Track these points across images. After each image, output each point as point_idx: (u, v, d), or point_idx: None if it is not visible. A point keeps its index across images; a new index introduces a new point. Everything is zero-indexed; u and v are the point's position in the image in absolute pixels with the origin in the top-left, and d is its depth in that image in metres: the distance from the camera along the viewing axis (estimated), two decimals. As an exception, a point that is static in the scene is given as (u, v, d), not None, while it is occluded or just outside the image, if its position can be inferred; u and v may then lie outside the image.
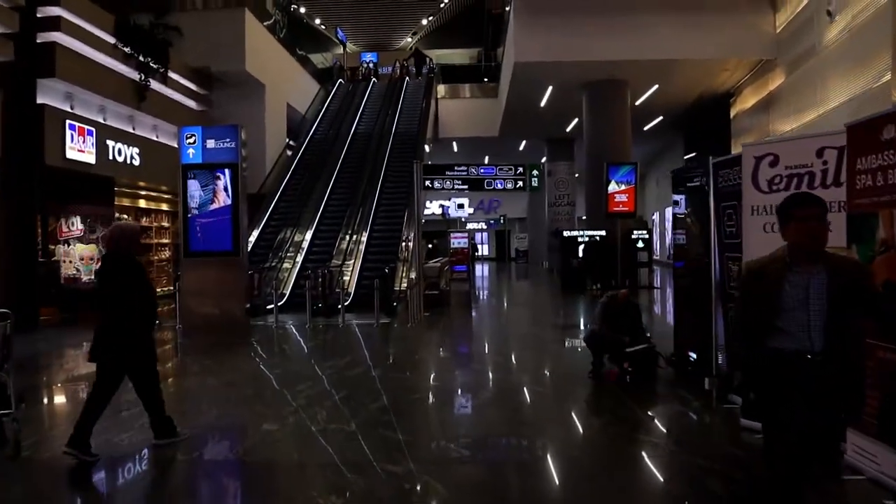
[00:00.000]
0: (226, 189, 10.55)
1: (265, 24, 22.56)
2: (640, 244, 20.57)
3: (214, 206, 10.60)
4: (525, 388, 7.18)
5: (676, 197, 7.30)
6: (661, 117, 26.11)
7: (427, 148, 25.13)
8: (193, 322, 10.83)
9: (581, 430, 5.72)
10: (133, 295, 5.00)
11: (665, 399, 6.65)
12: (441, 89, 30.04)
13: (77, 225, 14.60)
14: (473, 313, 14.62)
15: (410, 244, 17.24)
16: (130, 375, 5.14)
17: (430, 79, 29.08)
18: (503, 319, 14.28)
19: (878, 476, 4.05)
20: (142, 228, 18.46)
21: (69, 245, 14.49)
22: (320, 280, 14.09)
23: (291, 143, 23.49)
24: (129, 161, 15.63)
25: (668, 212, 34.18)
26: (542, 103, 23.09)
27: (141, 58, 16.02)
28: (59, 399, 7.37)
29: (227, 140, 10.55)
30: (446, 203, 35.13)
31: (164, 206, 19.15)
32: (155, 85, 16.78)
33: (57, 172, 13.50)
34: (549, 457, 4.96)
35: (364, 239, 17.00)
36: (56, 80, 13.32)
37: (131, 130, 16.30)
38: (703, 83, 21.78)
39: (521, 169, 13.72)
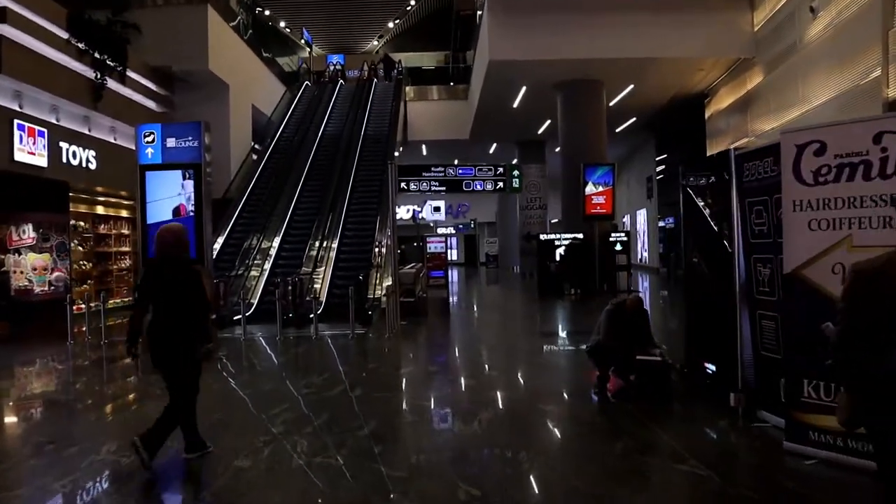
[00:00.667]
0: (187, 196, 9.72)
1: (230, 24, 21.73)
2: (619, 247, 20.08)
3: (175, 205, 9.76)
4: (527, 409, 6.49)
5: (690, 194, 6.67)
6: (634, 119, 25.86)
7: (397, 151, 24.50)
8: (154, 336, 9.92)
9: (603, 460, 4.95)
10: (188, 301, 4.81)
11: (687, 418, 6.01)
12: (409, 91, 29.54)
13: (29, 233, 13.59)
14: (453, 322, 13.92)
15: (384, 250, 16.61)
16: (167, 379, 4.99)
17: (399, 80, 28.49)
18: (486, 329, 13.58)
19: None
20: (103, 237, 17.60)
21: (20, 254, 13.49)
22: (290, 288, 13.30)
23: (257, 146, 22.63)
24: (84, 164, 14.70)
25: (641, 214, 33.98)
26: (515, 104, 22.68)
27: (97, 55, 15.08)
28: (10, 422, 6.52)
29: (190, 138, 9.70)
30: (416, 207, 34.48)
31: (124, 213, 18.14)
32: (112, 84, 15.85)
33: (5, 176, 12.57)
34: (577, 497, 4.27)
35: (335, 245, 16.27)
36: (2, 77, 12.37)
37: (87, 132, 15.35)
38: (678, 83, 21.50)
39: (501, 170, 13.06)
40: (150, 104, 18.20)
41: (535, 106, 22.71)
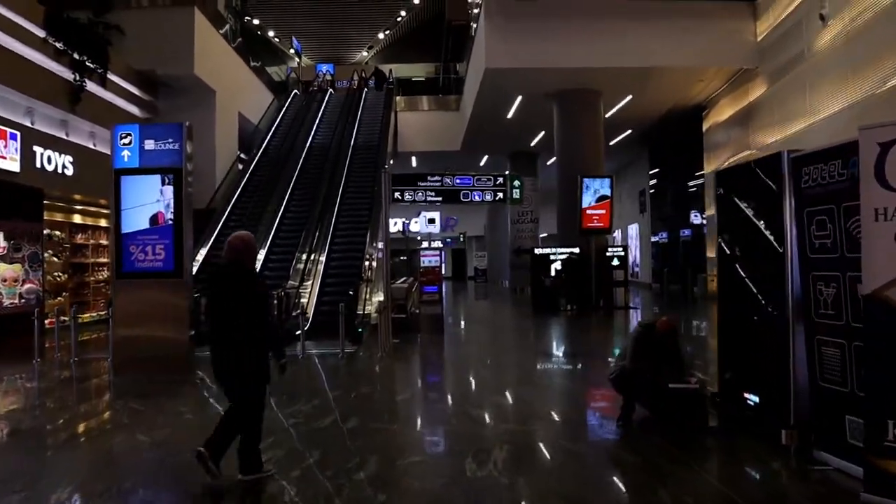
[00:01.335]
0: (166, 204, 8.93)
1: (220, 32, 21.09)
2: (616, 262, 19.44)
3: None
4: (547, 446, 5.72)
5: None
6: (629, 131, 25.41)
7: (389, 161, 23.86)
8: (128, 354, 9.02)
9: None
10: (257, 314, 4.62)
11: (732, 457, 5.29)
12: (400, 101, 29.02)
13: (-1, 242, 12.78)
14: (449, 341, 13.19)
15: (374, 263, 15.89)
16: (231, 398, 4.78)
17: (390, 90, 27.90)
18: (485, 348, 12.81)
19: None
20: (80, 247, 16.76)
21: (-11, 265, 12.66)
22: (276, 303, 12.52)
23: (243, 156, 21.90)
24: (60, 170, 13.87)
25: (633, 229, 33.45)
26: (510, 115, 22.16)
27: (76, 55, 14.28)
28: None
29: (170, 140, 8.89)
30: (404, 220, 33.76)
31: (103, 223, 17.25)
32: (92, 87, 15.05)
33: (-27, 181, 11.76)
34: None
35: (323, 258, 15.52)
36: (-31, 75, 11.60)
37: (64, 136, 14.56)
38: (677, 95, 21.05)
39: (500, 179, 12.40)
40: (133, 109, 17.43)
41: (529, 117, 22.21)
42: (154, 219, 8.87)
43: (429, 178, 12.67)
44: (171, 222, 8.88)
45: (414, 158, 29.70)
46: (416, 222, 30.28)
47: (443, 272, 46.19)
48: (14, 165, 12.46)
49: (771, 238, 5.12)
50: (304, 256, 15.59)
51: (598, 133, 20.06)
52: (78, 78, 14.42)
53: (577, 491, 4.63)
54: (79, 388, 8.89)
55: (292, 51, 38.83)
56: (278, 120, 24.22)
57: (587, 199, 18.62)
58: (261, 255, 15.72)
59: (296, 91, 28.16)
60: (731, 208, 5.68)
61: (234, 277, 4.67)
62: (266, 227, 16.86)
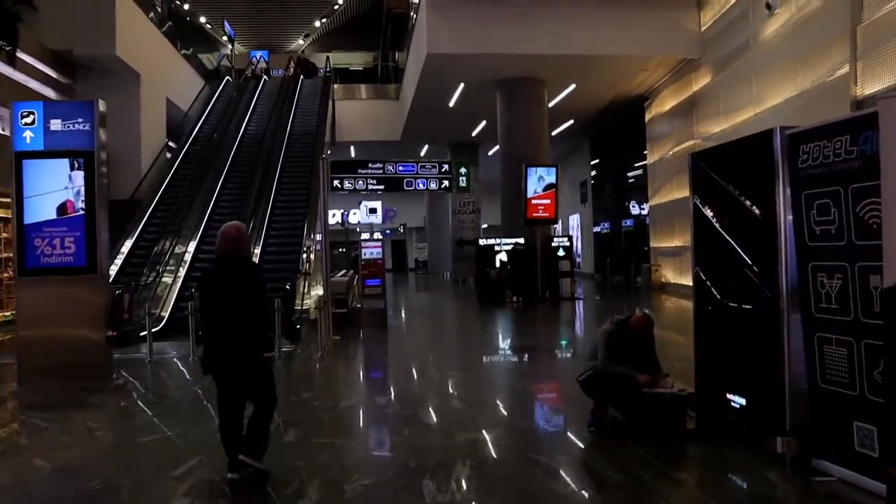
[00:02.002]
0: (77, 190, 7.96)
1: (149, 17, 19.89)
2: (562, 252, 19.06)
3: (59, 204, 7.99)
4: (515, 458, 5.12)
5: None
6: (571, 121, 25.15)
7: (327, 151, 23.01)
8: (34, 359, 7.98)
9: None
10: (255, 303, 4.52)
11: (722, 468, 4.75)
12: (338, 89, 28.16)
13: None
14: (394, 337, 12.50)
15: (312, 256, 15.10)
16: (252, 397, 4.60)
17: (328, 77, 26.99)
18: (434, 345, 12.11)
19: None
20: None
21: None
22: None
23: (172, 144, 20.70)
24: (-38, 157, 12.61)
25: (574, 219, 33.30)
26: (452, 103, 21.55)
27: (-21, 31, 13.06)
28: None
29: (80, 120, 7.89)
30: (346, 211, 32.89)
31: (4, 213, 15.79)
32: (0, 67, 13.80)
33: None
34: None
35: (258, 251, 14.65)
36: None
37: (-35, 120, 13.28)
38: (620, 84, 20.87)
39: (446, 167, 11.75)
40: (48, 91, 16.08)
41: (471, 106, 21.68)
42: (62, 208, 7.88)
43: (370, 165, 11.98)
44: (82, 212, 7.91)
45: (353, 148, 28.87)
46: (354, 213, 29.47)
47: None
48: None
49: (759, 222, 4.61)
50: (238, 249, 14.66)
51: (543, 122, 19.71)
52: (-18, 56, 13.20)
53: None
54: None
55: (225, 38, 37.40)
56: (210, 107, 23.09)
57: (532, 188, 18.15)
58: (191, 248, 14.80)
59: (228, 78, 26.98)
60: (712, 192, 5.16)
61: (234, 267, 4.57)
62: (196, 218, 15.89)
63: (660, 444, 5.07)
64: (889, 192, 3.43)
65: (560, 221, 34.47)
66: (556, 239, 19.53)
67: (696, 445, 5.13)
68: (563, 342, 12.15)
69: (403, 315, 16.74)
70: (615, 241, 27.66)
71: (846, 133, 3.87)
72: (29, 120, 7.86)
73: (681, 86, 19.51)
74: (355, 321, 13.19)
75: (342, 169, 11.73)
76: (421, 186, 11.81)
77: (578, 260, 32.25)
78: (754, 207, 4.69)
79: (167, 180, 17.78)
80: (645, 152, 22.76)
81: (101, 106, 8.13)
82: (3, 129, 14.17)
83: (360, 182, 11.71)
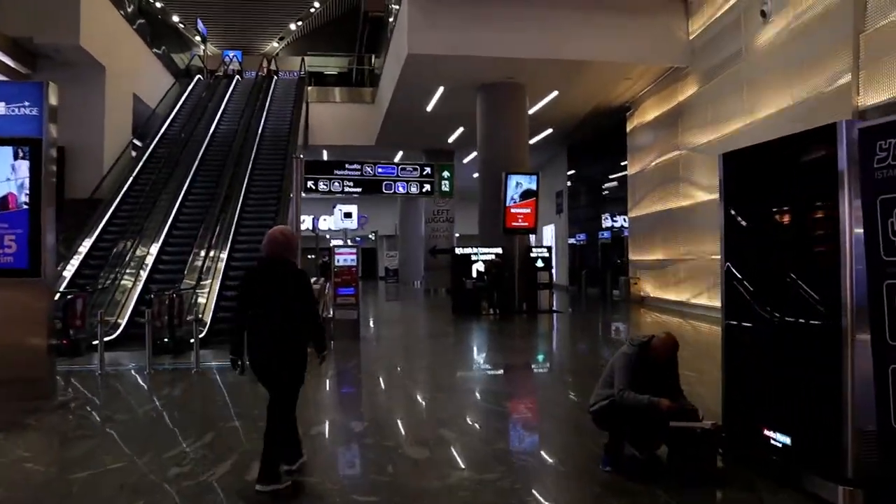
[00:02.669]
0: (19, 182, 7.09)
1: (121, 13, 19.08)
2: (541, 263, 18.47)
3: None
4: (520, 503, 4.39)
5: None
6: (549, 130, 24.64)
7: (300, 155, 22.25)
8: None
9: None
10: (300, 306, 4.53)
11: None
12: (312, 91, 27.43)
13: None
14: (369, 351, 11.76)
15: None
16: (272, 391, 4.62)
17: (302, 79, 26.33)
18: (414, 361, 11.25)
19: None
20: None
21: None
22: (167, 305, 10.77)
23: (137, 142, 19.82)
24: None
25: (549, 230, 32.75)
26: (430, 107, 20.85)
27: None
28: None
29: (26, 104, 7.08)
30: (316, 217, 32.11)
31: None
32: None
33: None
34: None
35: (224, 255, 13.89)
36: None
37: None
38: (603, 93, 20.45)
39: (428, 170, 11.05)
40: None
41: (450, 111, 21.02)
42: (3, 202, 7.03)
43: (347, 166, 11.27)
44: (25, 207, 7.06)
45: (325, 152, 28.10)
46: (325, 220, 28.71)
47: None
48: None
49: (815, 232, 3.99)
50: (203, 252, 13.85)
51: (523, 128, 19.15)
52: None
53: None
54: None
55: (198, 37, 36.52)
56: (179, 105, 22.36)
57: (510, 196, 17.53)
58: (153, 250, 13.98)
59: (199, 76, 26.11)
60: (748, 197, 4.54)
61: (279, 271, 4.52)
62: (160, 219, 15.11)
63: (688, 486, 4.39)
64: None
65: (536, 232, 34.13)
66: (535, 249, 18.96)
67: (731, 489, 4.42)
68: (540, 357, 11.54)
69: (378, 327, 15.96)
70: (591, 252, 27.20)
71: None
72: (-32, 103, 7.01)
73: (665, 95, 19.11)
74: (327, 333, 12.39)
75: (317, 169, 11.03)
76: (401, 190, 11.13)
77: (553, 271, 31.76)
78: (805, 213, 4.07)
79: (131, 179, 17.02)
80: (625, 163, 22.30)
81: (52, 90, 7.27)
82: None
83: (336, 184, 11.02)
